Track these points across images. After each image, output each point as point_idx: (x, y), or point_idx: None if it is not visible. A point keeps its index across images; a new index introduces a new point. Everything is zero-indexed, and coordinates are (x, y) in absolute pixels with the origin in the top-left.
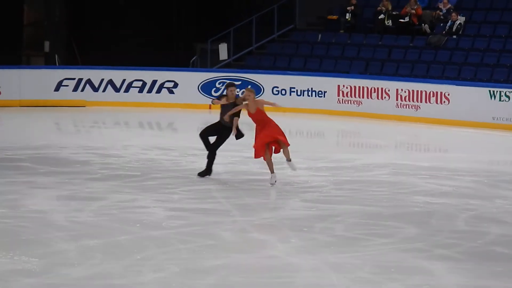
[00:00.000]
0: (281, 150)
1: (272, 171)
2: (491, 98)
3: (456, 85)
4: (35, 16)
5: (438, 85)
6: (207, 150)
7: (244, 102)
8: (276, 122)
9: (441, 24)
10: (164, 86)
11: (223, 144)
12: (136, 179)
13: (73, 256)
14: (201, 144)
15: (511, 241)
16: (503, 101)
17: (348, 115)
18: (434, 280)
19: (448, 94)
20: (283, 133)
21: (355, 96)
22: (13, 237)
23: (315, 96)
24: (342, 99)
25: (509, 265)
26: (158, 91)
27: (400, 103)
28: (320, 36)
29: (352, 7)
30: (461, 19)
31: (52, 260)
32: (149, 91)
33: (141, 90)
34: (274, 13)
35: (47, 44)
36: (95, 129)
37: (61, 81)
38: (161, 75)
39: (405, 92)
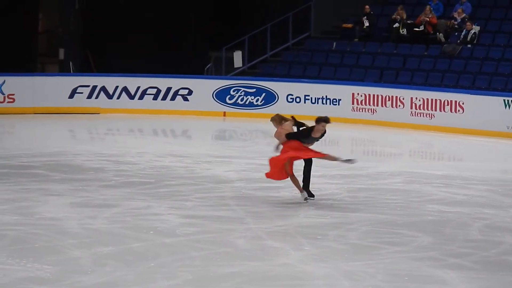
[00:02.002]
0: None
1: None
2: (505, 107)
3: (471, 94)
4: (50, 24)
5: (453, 94)
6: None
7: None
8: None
9: (456, 33)
10: (179, 93)
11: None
12: (150, 186)
13: (86, 263)
14: (215, 151)
15: None
16: None
17: (362, 123)
18: None
19: (463, 103)
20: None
21: (369, 104)
22: (26, 244)
23: (330, 104)
24: (357, 107)
25: None
26: (173, 99)
27: (415, 112)
28: (335, 44)
29: (366, 17)
30: (475, 29)
31: (65, 268)
32: (164, 98)
33: (155, 97)
34: (289, 21)
35: (61, 52)
36: (109, 136)
37: (75, 89)
38: (176, 83)
39: (419, 100)
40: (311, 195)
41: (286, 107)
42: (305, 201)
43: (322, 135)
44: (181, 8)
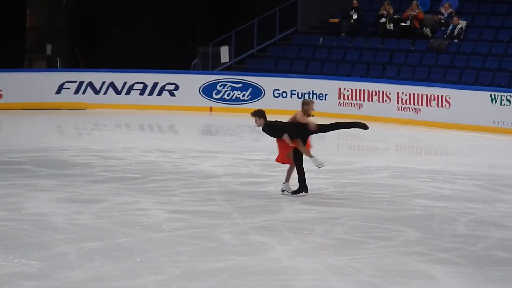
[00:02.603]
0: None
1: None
2: (492, 102)
3: (458, 89)
4: (38, 20)
5: (439, 88)
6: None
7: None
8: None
9: (443, 28)
10: (165, 88)
11: (226, 147)
12: (136, 182)
13: (73, 258)
14: (201, 147)
15: (511, 246)
16: (504, 105)
17: (349, 118)
18: (434, 284)
19: (449, 98)
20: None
21: (356, 99)
22: (13, 240)
23: (316, 99)
24: (343, 102)
25: (510, 270)
26: (159, 94)
27: (401, 106)
28: (321, 39)
29: (354, 11)
30: (462, 24)
31: (52, 263)
32: (150, 93)
33: (142, 92)
34: (276, 16)
35: (49, 47)
36: (96, 132)
37: (62, 84)
38: (162, 78)
39: (406, 95)
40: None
41: (272, 102)
42: (281, 192)
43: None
44: (168, 4)
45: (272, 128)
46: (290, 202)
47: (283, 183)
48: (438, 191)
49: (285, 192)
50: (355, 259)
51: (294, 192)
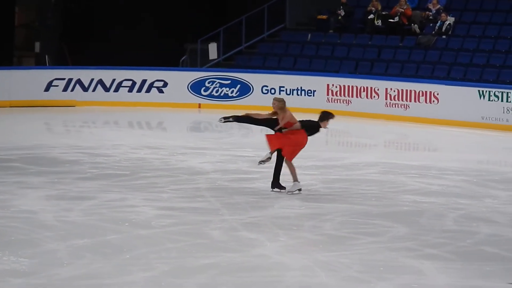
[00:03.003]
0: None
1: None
2: (480, 98)
3: (446, 84)
4: (27, 17)
5: (428, 84)
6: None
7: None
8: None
9: (431, 25)
10: (154, 85)
11: (215, 143)
12: (125, 178)
13: (63, 256)
14: (190, 143)
15: (500, 241)
16: (492, 101)
17: (337, 114)
18: (423, 279)
19: (438, 94)
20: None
21: (344, 96)
22: (2, 237)
23: (305, 95)
24: (332, 98)
25: (499, 265)
26: (148, 91)
27: (390, 103)
28: (310, 36)
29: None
30: (450, 20)
31: (41, 260)
32: (139, 90)
33: (130, 89)
34: (264, 13)
35: (37, 45)
36: (85, 129)
37: (51, 82)
38: (151, 75)
39: (394, 91)
40: (281, 187)
41: (261, 98)
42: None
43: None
44: (157, 2)
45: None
46: (278, 198)
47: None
48: (426, 187)
49: (295, 192)
50: (344, 255)
51: (289, 191)
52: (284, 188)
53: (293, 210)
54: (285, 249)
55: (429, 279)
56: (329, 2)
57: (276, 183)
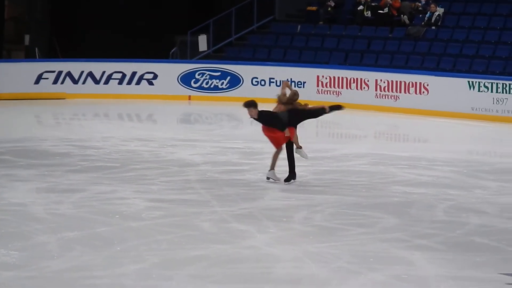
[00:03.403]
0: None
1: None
2: (470, 88)
3: (435, 75)
4: (17, 10)
5: (417, 75)
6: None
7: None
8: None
9: (420, 15)
10: (144, 77)
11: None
12: (115, 171)
13: (53, 248)
14: (180, 135)
15: (490, 231)
16: (482, 91)
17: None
18: (413, 270)
19: (427, 85)
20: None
21: (334, 87)
22: None
23: (295, 86)
24: (322, 90)
25: (489, 255)
26: (138, 83)
27: (380, 94)
28: (299, 27)
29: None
30: (440, 10)
31: (32, 253)
32: (129, 83)
33: (120, 82)
34: (254, 5)
35: (27, 38)
36: (75, 121)
37: (41, 74)
38: (141, 67)
39: (384, 82)
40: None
41: (251, 90)
42: (267, 179)
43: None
44: None
45: (270, 118)
46: (269, 190)
47: (269, 170)
48: (416, 178)
49: (270, 180)
50: (334, 246)
51: (286, 180)
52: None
53: (284, 201)
54: (275, 241)
55: (419, 270)
56: None
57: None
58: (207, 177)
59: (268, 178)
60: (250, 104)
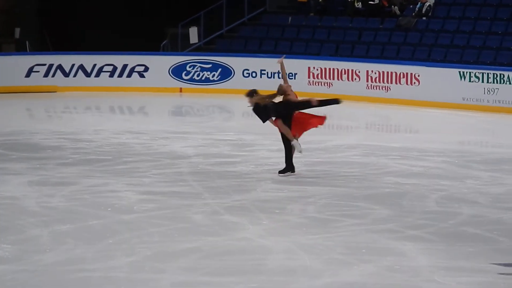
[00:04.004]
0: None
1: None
2: (461, 79)
3: (427, 66)
4: (7, 3)
5: (409, 66)
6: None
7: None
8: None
9: (411, 6)
10: (135, 70)
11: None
12: (107, 163)
13: (45, 241)
14: (171, 128)
15: (482, 222)
16: (473, 82)
17: (318, 96)
18: (406, 260)
19: (419, 76)
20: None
21: (325, 78)
22: None
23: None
24: (313, 81)
25: (480, 246)
26: (129, 76)
27: (371, 85)
28: (290, 19)
29: None
30: (430, 1)
31: (24, 246)
32: (120, 75)
33: (111, 74)
34: None
35: (17, 31)
36: (66, 114)
37: (32, 67)
38: (132, 60)
39: (375, 73)
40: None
41: (242, 82)
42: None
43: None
44: None
45: (258, 112)
46: (261, 181)
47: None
48: (408, 169)
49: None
50: (326, 237)
51: (280, 172)
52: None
53: (276, 193)
54: (268, 232)
55: (411, 261)
56: None
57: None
58: (199, 169)
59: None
60: (249, 94)
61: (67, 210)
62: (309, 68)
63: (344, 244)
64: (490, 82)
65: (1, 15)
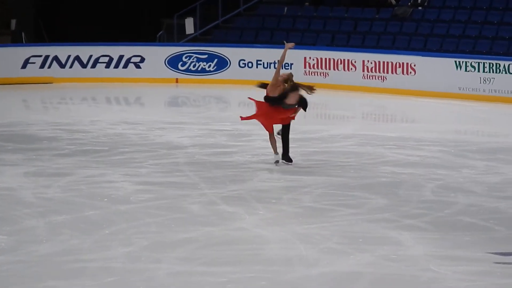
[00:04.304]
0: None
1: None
2: (457, 68)
3: (422, 56)
4: None
5: (404, 56)
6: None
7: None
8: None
9: None
10: (131, 61)
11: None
12: (103, 154)
13: (42, 232)
14: (168, 118)
15: (478, 211)
16: (468, 71)
17: (314, 86)
18: (402, 250)
19: (414, 65)
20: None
21: (321, 68)
22: None
23: (282, 68)
24: (309, 71)
25: (476, 235)
26: (125, 66)
27: (367, 75)
28: (286, 9)
29: None
30: None
31: (21, 237)
32: (116, 66)
33: (108, 65)
34: None
35: (13, 22)
36: (62, 105)
37: (28, 59)
38: (128, 50)
39: (371, 63)
40: (289, 159)
41: (238, 72)
42: (276, 163)
43: (301, 102)
44: None
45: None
46: (257, 171)
47: (275, 154)
48: (404, 158)
49: (281, 162)
50: (323, 227)
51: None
52: (291, 161)
53: (272, 183)
54: (264, 222)
55: (408, 250)
56: None
57: (286, 156)
58: (195, 159)
59: (277, 162)
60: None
61: (63, 201)
62: (305, 58)
63: (341, 233)
64: (486, 72)
65: None
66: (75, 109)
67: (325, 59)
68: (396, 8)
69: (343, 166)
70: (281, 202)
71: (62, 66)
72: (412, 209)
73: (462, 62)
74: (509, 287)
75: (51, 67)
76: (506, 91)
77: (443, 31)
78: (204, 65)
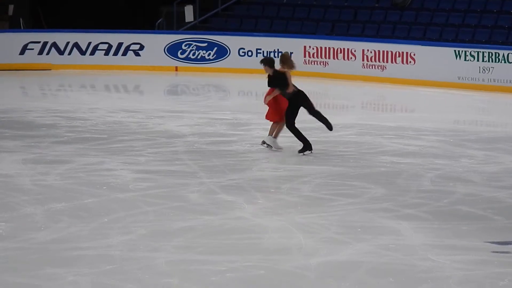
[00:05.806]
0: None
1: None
2: (456, 58)
3: (422, 45)
4: None
5: (404, 45)
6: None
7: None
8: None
9: None
10: (130, 48)
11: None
12: (102, 142)
13: (40, 220)
14: (167, 106)
15: (476, 200)
16: (468, 60)
17: (314, 75)
18: (400, 239)
19: (414, 54)
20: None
21: (321, 57)
22: None
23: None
24: (309, 60)
25: (475, 224)
26: (124, 54)
27: (366, 64)
28: None
29: None
30: None
31: (19, 224)
32: (115, 53)
33: (107, 53)
34: None
35: (11, 8)
36: (61, 92)
37: (26, 45)
38: (127, 38)
39: (371, 52)
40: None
41: (238, 61)
42: (261, 143)
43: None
44: None
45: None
46: (256, 160)
47: (268, 136)
48: (404, 148)
49: (265, 145)
50: (321, 216)
51: (300, 151)
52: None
53: (271, 172)
54: (263, 211)
55: (406, 239)
56: None
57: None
58: (194, 148)
59: (263, 143)
60: (266, 62)
61: (62, 188)
62: (304, 47)
63: (339, 223)
64: (485, 61)
65: None
66: (74, 96)
67: (325, 48)
68: None
69: (342, 156)
70: (280, 191)
71: (61, 52)
72: (411, 198)
73: (462, 51)
74: (507, 276)
75: (50, 53)
76: (505, 81)
77: (442, 20)
78: (203, 54)
